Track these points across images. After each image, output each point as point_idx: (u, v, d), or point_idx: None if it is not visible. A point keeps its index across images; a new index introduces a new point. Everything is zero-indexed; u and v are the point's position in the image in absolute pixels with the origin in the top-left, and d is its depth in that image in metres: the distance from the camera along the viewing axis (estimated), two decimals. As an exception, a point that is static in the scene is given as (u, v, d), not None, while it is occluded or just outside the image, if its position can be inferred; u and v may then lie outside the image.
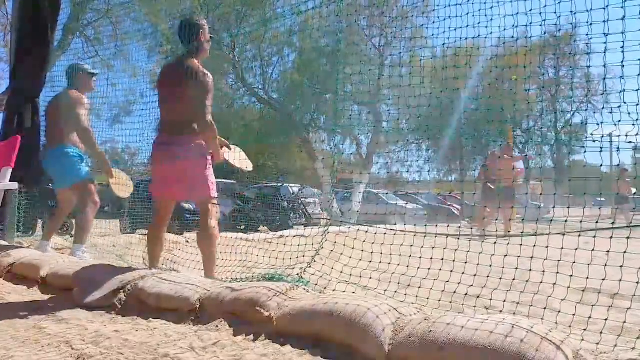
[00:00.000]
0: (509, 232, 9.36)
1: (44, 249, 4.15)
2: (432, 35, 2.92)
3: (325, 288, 3.14)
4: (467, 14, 2.69)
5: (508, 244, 2.63)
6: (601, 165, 2.20)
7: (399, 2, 12.62)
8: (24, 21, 4.12)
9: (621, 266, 2.00)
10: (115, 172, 4.19)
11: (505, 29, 2.57)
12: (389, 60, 13.36)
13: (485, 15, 2.59)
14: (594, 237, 2.11)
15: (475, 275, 2.51)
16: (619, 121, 1.99)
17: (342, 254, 3.17)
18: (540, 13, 2.39)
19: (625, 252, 2.01)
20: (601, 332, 1.91)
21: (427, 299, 2.63)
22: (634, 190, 12.14)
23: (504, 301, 2.38)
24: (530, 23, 2.44)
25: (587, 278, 2.14)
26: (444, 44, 2.96)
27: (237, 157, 3.45)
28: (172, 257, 4.42)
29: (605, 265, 2.06)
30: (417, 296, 2.77)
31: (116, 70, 6.97)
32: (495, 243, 2.61)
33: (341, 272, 3.13)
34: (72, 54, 10.46)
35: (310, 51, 13.27)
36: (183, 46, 3.21)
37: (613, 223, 2.12)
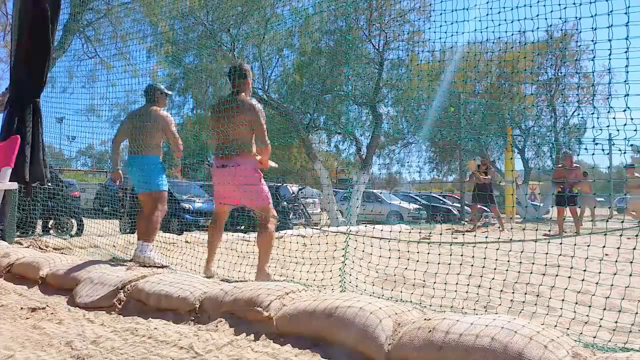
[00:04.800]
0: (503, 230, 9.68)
1: (144, 251, 4.14)
2: (433, 36, 2.91)
3: (324, 287, 3.15)
4: (475, 18, 2.69)
5: (509, 248, 2.63)
6: (609, 167, 2.20)
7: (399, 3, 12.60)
8: (23, 21, 4.12)
9: (624, 265, 2.01)
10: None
11: (513, 34, 2.55)
12: (389, 60, 13.35)
13: (492, 21, 2.58)
14: (590, 234, 2.12)
15: (474, 276, 2.51)
16: (624, 125, 1.98)
17: (343, 255, 3.17)
18: (546, 18, 2.39)
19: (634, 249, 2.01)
20: (597, 331, 1.92)
21: (428, 299, 2.63)
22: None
23: (504, 302, 2.39)
24: (538, 28, 2.43)
25: (583, 280, 2.15)
26: (444, 44, 2.96)
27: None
28: (172, 257, 4.43)
29: (602, 265, 2.07)
30: (419, 295, 2.78)
31: (116, 70, 6.98)
32: (497, 246, 2.62)
33: (340, 274, 3.13)
34: (72, 54, 10.43)
35: (310, 51, 13.25)
36: (232, 87, 3.80)
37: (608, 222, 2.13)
